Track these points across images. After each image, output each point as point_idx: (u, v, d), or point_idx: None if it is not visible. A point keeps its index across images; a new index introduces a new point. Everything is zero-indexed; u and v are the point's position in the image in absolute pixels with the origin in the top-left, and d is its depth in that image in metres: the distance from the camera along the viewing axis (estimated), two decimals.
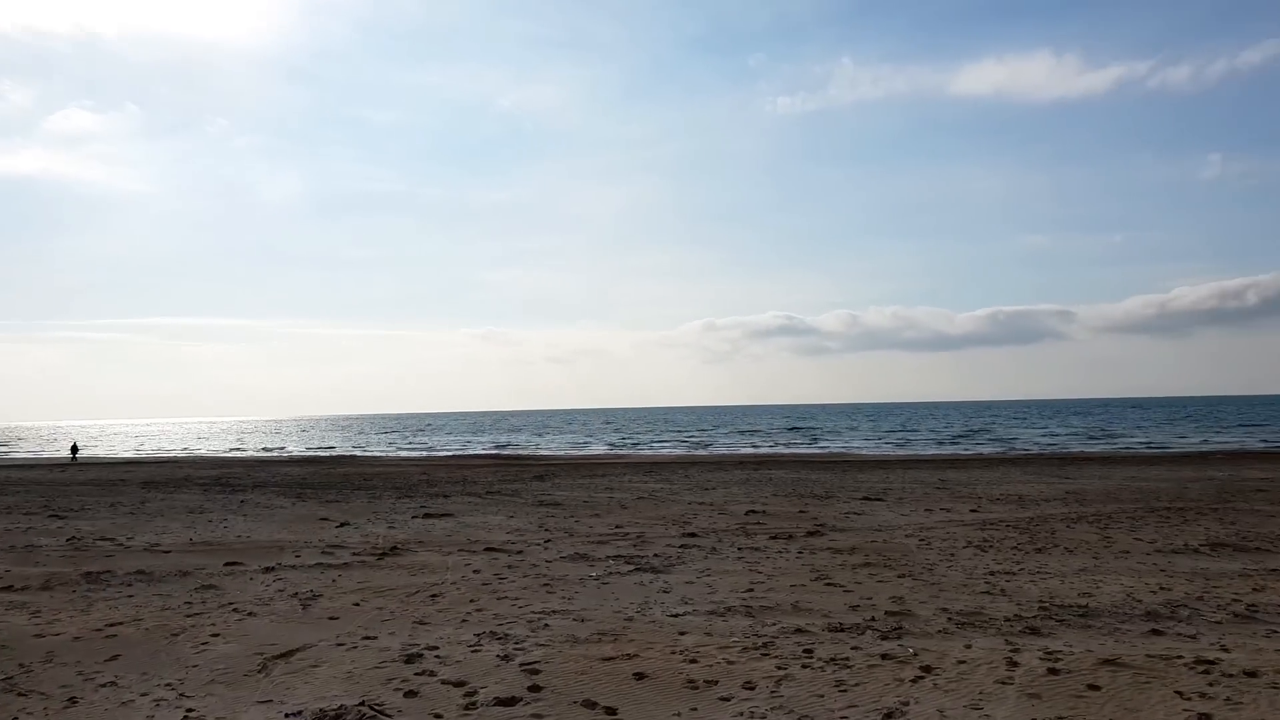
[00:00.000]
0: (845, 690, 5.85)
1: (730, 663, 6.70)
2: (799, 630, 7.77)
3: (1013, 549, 12.89)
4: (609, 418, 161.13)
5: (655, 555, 12.64)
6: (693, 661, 6.78)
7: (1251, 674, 5.85)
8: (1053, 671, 6.07)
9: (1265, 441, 45.18)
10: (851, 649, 7.06)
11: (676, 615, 8.70)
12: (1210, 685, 5.62)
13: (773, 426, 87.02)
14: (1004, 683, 5.83)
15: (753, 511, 17.89)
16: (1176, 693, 5.47)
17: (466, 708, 5.84)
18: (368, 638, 7.97)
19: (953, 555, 12.30)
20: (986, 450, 46.07)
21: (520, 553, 13.15)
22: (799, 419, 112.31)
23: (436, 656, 7.16)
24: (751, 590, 9.88)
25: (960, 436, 57.77)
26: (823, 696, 5.71)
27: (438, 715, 5.71)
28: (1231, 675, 5.83)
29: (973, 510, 17.81)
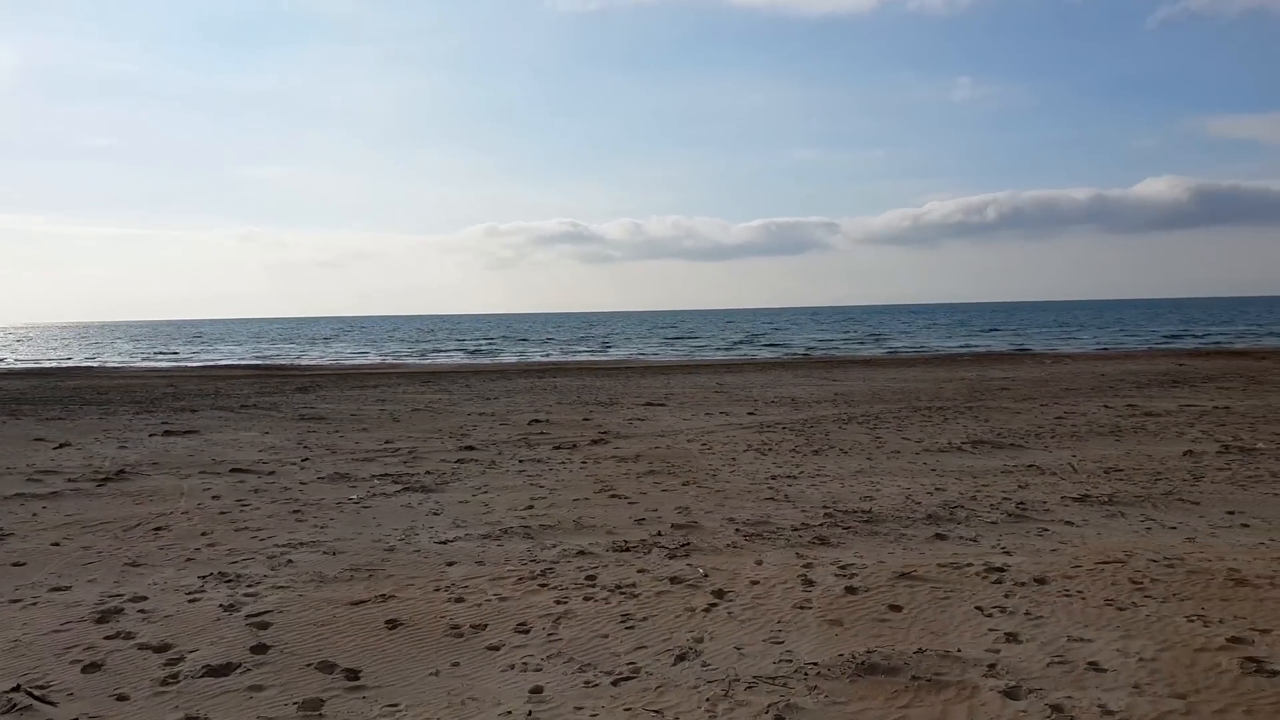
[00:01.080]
0: (632, 627, 5.16)
1: (503, 599, 5.85)
2: (581, 553, 7.05)
3: (791, 452, 12.91)
4: (385, 325, 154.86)
5: (427, 472, 11.56)
6: (459, 600, 5.87)
7: (1041, 581, 5.73)
8: (850, 590, 5.68)
9: (1011, 343, 49.93)
10: (638, 572, 6.41)
11: (445, 542, 7.74)
12: (1006, 597, 5.42)
13: (559, 334, 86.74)
14: (802, 607, 5.36)
15: (536, 421, 17.11)
16: (977, 608, 5.20)
17: (164, 682, 4.63)
18: (57, 589, 6.44)
19: (734, 460, 12.10)
20: (761, 355, 47.86)
21: (272, 474, 11.64)
22: (585, 326, 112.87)
23: (141, 611, 5.81)
24: (531, 507, 9.08)
25: (741, 342, 59.80)
26: (607, 637, 4.99)
27: (122, 696, 4.47)
28: (1023, 584, 5.68)
29: (750, 413, 17.95)
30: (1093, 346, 45.64)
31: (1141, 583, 5.54)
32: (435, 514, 8.99)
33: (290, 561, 7.24)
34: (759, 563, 6.55)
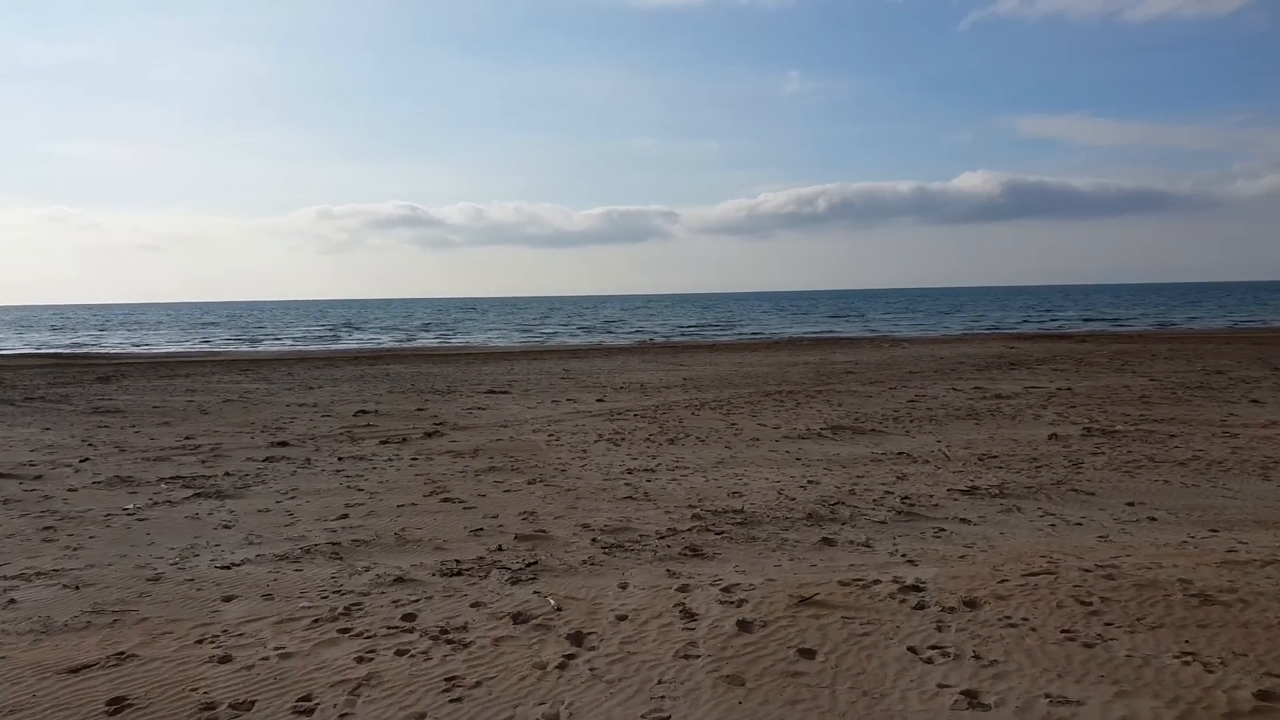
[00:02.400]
0: (460, 699, 3.78)
1: (285, 655, 4.35)
2: (400, 579, 5.58)
3: (645, 441, 11.82)
4: (211, 311, 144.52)
5: (227, 474, 9.72)
6: (225, 660, 4.33)
7: (971, 604, 4.74)
8: (744, 626, 4.50)
9: (851, 328, 51.06)
10: (471, 606, 5.04)
11: (230, 566, 6.11)
12: (940, 630, 4.39)
13: (398, 320, 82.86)
14: (687, 656, 4.14)
15: (363, 412, 15.27)
16: (909, 650, 4.13)
17: None
18: None
19: (585, 452, 10.87)
20: (608, 341, 46.81)
21: (38, 479, 9.50)
22: (425, 313, 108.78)
23: None
24: (345, 516, 7.51)
25: (589, 328, 58.57)
26: (423, 718, 3.59)
27: None
28: (951, 609, 4.68)
29: (599, 400, 16.78)
30: (928, 331, 47.30)
31: (1090, 602, 4.66)
32: (226, 527, 7.29)
33: (12, 602, 5.45)
34: (624, 586, 5.31)
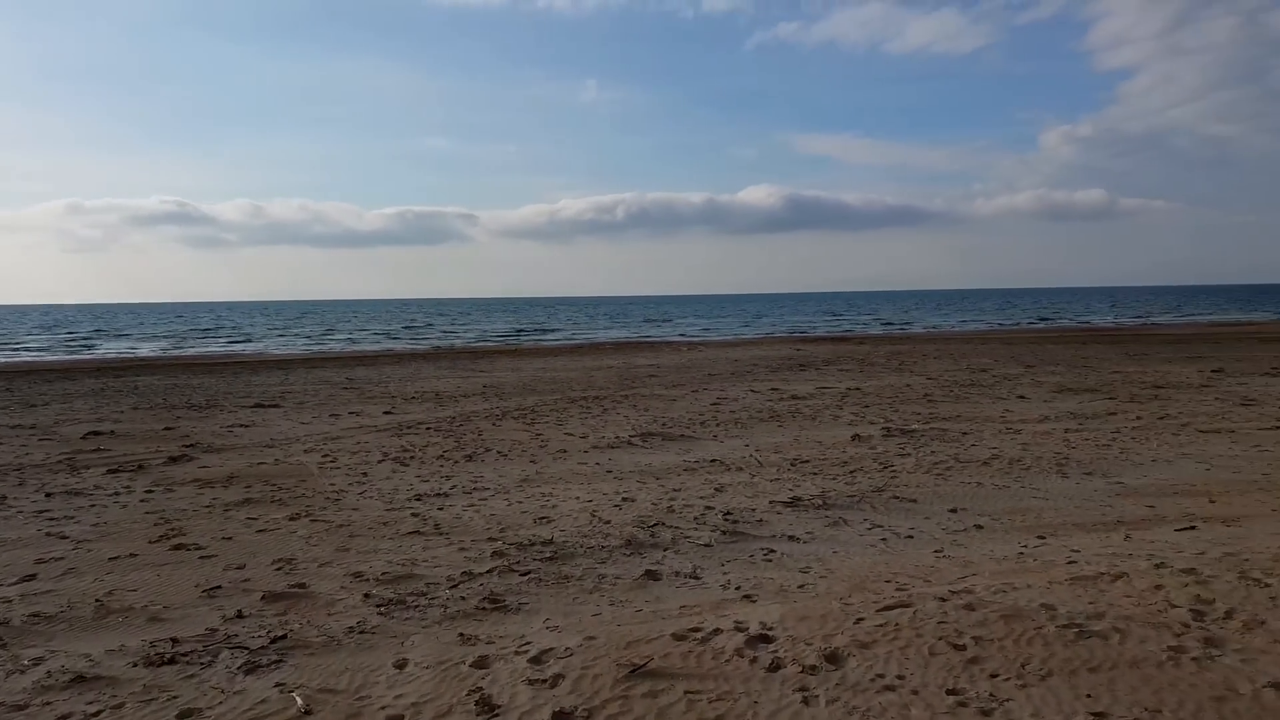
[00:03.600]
0: None
1: None
2: (80, 678, 4.06)
3: (439, 459, 10.52)
4: None
5: None
6: None
7: (834, 659, 3.88)
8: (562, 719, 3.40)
9: (649, 333, 51.12)
10: (178, 719, 3.62)
11: None
12: (806, 703, 3.47)
13: (164, 325, 75.18)
14: None
15: (95, 433, 12.88)
16: None
17: None
18: None
19: (366, 475, 9.44)
20: (399, 346, 44.16)
21: None
22: (193, 317, 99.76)
23: None
24: (32, 578, 5.77)
25: (383, 334, 55.12)
26: None
27: None
28: (812, 668, 3.79)
29: (387, 412, 15.19)
30: (724, 335, 48.18)
31: (963, 645, 3.95)
32: None
33: None
34: (401, 664, 4.08)
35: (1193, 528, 6.21)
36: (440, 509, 7.71)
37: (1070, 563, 5.39)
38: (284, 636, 4.47)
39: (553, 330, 56.80)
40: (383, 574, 5.65)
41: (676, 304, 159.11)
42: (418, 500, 8.11)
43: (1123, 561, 5.23)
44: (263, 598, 5.18)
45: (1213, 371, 18.89)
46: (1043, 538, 6.19)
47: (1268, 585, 4.60)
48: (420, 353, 34.99)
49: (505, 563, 5.83)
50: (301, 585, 5.43)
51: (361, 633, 4.55)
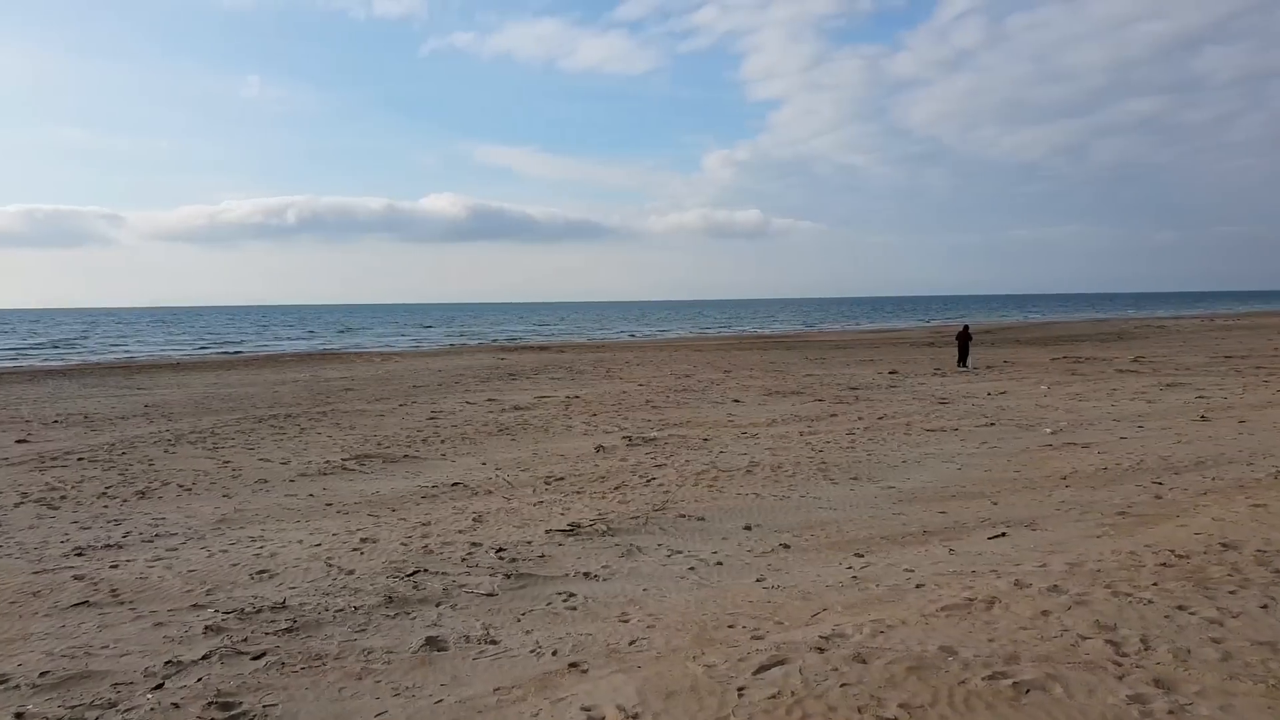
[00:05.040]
0: None
1: None
2: None
3: (100, 497, 8.49)
4: None
5: None
6: None
7: None
8: None
9: (327, 344, 47.26)
10: None
11: None
12: None
13: None
14: None
15: None
16: None
17: None
18: None
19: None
20: (30, 363, 37.01)
21: None
22: None
23: None
24: None
25: (35, 348, 45.60)
26: None
27: None
28: None
29: (21, 440, 12.29)
30: (419, 345, 45.93)
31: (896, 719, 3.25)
32: None
33: None
34: None
35: (1004, 534, 6.14)
36: (114, 566, 5.92)
37: (919, 586, 4.99)
38: None
39: (220, 341, 50.91)
40: (40, 675, 3.98)
41: (356, 313, 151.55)
42: (79, 556, 6.24)
43: (975, 581, 4.93)
44: None
45: (890, 372, 20.74)
46: (861, 555, 5.81)
47: (1147, 601, 4.40)
48: (58, 370, 29.61)
49: (226, 642, 4.38)
50: None
51: None
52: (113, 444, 12.03)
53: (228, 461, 10.57)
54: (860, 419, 12.59)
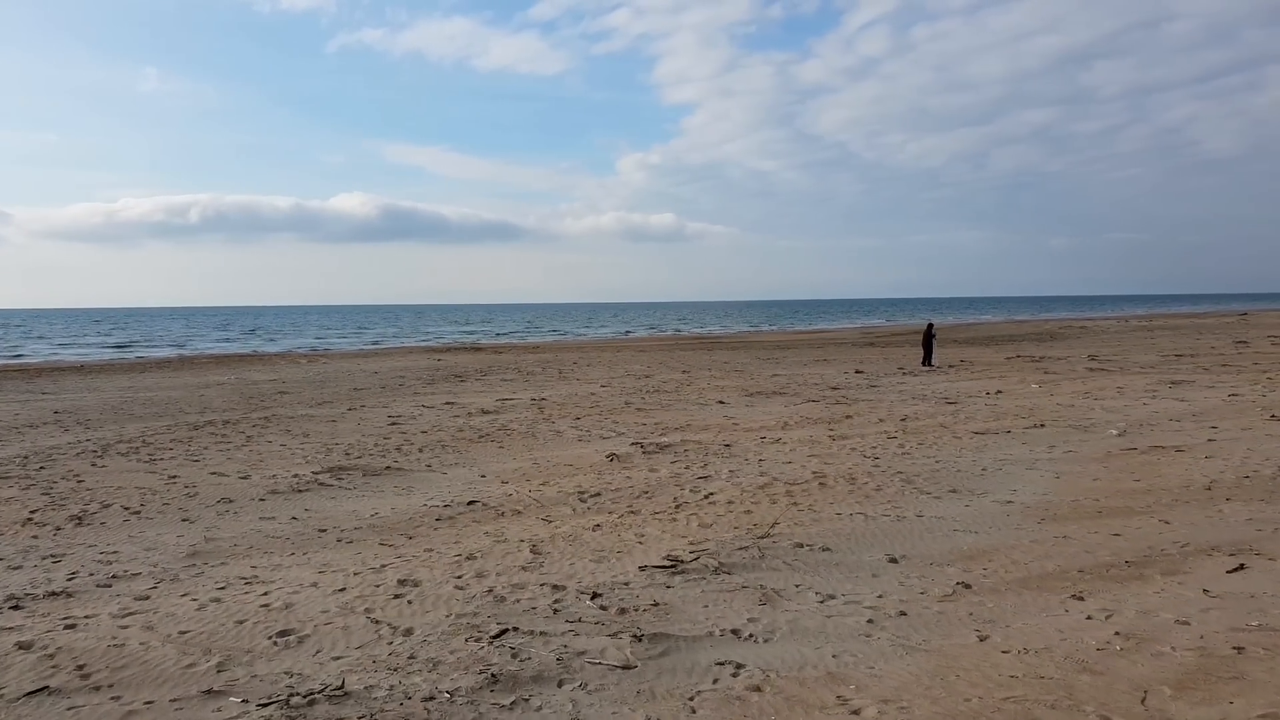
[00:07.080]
0: None
1: None
2: None
3: (25, 524, 7.18)
4: None
5: None
6: None
7: None
8: None
9: (236, 345, 44.29)
10: None
11: None
12: None
13: None
14: None
15: None
16: None
17: None
18: None
19: None
20: None
21: None
22: None
23: None
24: None
25: None
26: None
27: None
28: None
29: None
30: (344, 345, 43.54)
31: None
32: None
33: None
34: None
35: (1242, 566, 4.97)
36: (70, 626, 4.44)
37: (1237, 650, 3.71)
38: None
39: (139, 345, 47.25)
40: None
41: (265, 314, 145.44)
42: (16, 610, 4.73)
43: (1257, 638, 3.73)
44: None
45: (856, 372, 19.96)
46: (1081, 599, 4.51)
47: None
48: None
49: None
50: None
51: None
52: (25, 456, 10.19)
53: (174, 476, 8.95)
54: (882, 421, 11.58)
